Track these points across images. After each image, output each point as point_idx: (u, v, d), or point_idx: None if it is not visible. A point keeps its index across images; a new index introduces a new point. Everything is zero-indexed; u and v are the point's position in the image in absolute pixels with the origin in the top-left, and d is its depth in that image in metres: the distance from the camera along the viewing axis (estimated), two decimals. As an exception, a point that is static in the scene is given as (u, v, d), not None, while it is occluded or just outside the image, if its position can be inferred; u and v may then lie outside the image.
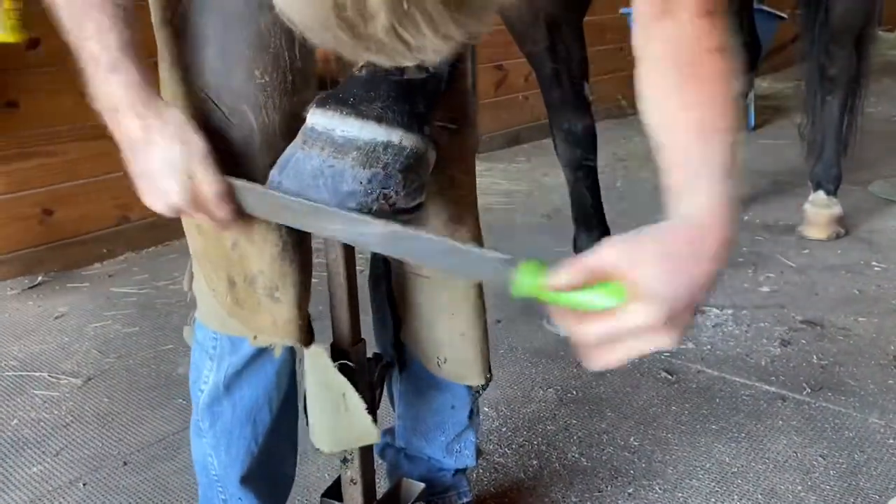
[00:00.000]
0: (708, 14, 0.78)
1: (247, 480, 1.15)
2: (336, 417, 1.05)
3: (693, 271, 0.69)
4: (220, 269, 1.01)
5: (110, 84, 0.84)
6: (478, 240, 1.18)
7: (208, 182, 0.87)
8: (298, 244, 1.02)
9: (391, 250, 0.88)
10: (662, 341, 0.68)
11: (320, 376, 1.04)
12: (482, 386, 1.26)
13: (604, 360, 0.70)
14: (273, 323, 1.01)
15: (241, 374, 1.08)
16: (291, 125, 0.96)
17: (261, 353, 1.06)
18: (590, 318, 0.69)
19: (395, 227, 0.83)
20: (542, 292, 0.72)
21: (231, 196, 0.89)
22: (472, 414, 1.30)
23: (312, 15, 0.57)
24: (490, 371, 1.25)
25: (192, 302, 1.12)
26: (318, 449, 1.10)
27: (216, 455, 1.13)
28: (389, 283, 1.21)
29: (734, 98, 0.77)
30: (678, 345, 0.71)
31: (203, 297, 1.07)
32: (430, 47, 0.59)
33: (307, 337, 1.05)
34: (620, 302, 0.68)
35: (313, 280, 1.06)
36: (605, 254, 0.69)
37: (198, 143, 0.87)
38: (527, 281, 0.74)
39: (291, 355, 1.08)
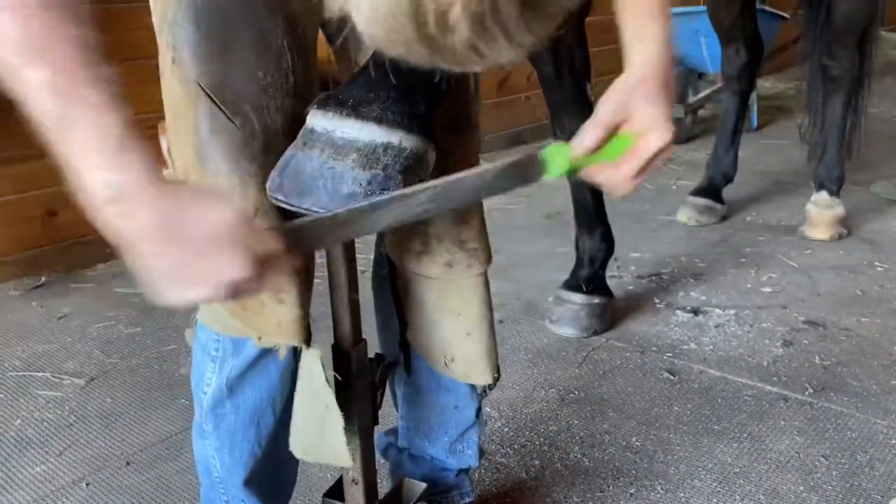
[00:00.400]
0: None
1: (250, 483, 1.15)
2: (314, 429, 1.05)
3: (664, 94, 0.90)
4: None
5: (120, 168, 0.66)
6: (483, 241, 1.18)
7: (266, 239, 0.71)
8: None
9: (440, 206, 0.85)
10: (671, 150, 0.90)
11: (309, 383, 1.04)
12: (489, 385, 1.26)
13: (635, 182, 0.90)
14: (277, 324, 1.02)
15: (245, 377, 1.08)
16: (293, 126, 0.96)
17: (263, 354, 1.06)
18: (623, 162, 0.88)
19: (435, 182, 0.82)
20: (575, 163, 0.88)
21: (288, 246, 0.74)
22: (478, 413, 1.30)
23: (395, 31, 0.58)
24: (498, 370, 1.25)
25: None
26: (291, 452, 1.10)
27: (219, 457, 1.13)
28: (394, 283, 1.21)
29: None
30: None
31: None
32: (504, 57, 0.62)
33: (310, 336, 1.05)
34: (632, 140, 0.88)
35: (316, 280, 1.06)
36: (605, 110, 0.88)
37: (238, 202, 0.75)
38: (558, 160, 0.87)
39: (294, 357, 1.08)
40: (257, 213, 0.97)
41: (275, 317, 1.01)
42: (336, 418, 1.02)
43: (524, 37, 0.60)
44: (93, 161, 0.66)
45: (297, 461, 1.24)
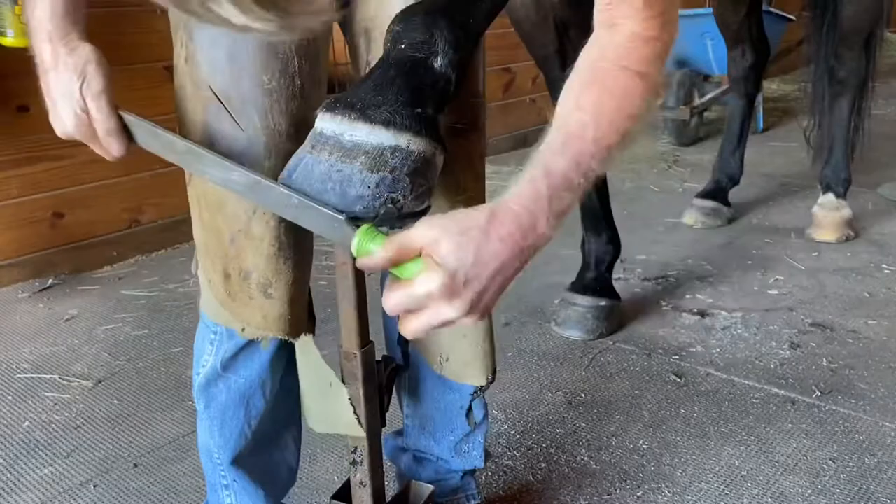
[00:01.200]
0: (644, 40, 0.81)
1: (239, 463, 1.18)
2: (325, 403, 1.10)
3: (481, 248, 0.74)
4: (217, 262, 1.05)
5: (35, 8, 0.91)
6: None
7: (100, 118, 0.92)
8: (296, 244, 1.05)
9: (254, 198, 0.93)
10: (451, 312, 0.74)
11: (308, 365, 1.09)
12: (481, 387, 1.26)
13: (408, 327, 0.77)
14: (263, 317, 1.05)
15: (237, 358, 1.11)
16: (299, 128, 0.99)
17: (254, 339, 1.10)
18: (393, 288, 0.76)
19: (257, 178, 0.89)
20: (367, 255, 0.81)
21: (121, 132, 0.93)
22: (484, 414, 1.30)
23: None
24: (494, 372, 1.26)
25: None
26: (310, 428, 1.17)
27: (211, 436, 1.17)
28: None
29: (630, 119, 0.80)
30: (474, 323, 0.77)
31: (204, 285, 1.11)
32: (238, 19, 0.64)
33: (298, 330, 1.09)
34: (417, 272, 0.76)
35: (322, 283, 1.07)
36: (414, 232, 0.76)
37: (97, 78, 0.91)
38: (364, 245, 0.81)
39: (287, 345, 1.11)
40: (255, 212, 1.00)
41: (261, 310, 1.05)
42: (341, 392, 1.06)
43: (246, 4, 0.62)
44: (41, 36, 0.92)
45: (296, 453, 1.27)
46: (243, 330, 1.07)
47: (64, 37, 0.91)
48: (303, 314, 1.11)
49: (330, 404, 1.08)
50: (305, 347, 1.08)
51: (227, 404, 1.14)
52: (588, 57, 0.83)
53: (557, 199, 0.77)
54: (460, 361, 1.22)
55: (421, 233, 0.76)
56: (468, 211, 0.77)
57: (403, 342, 1.25)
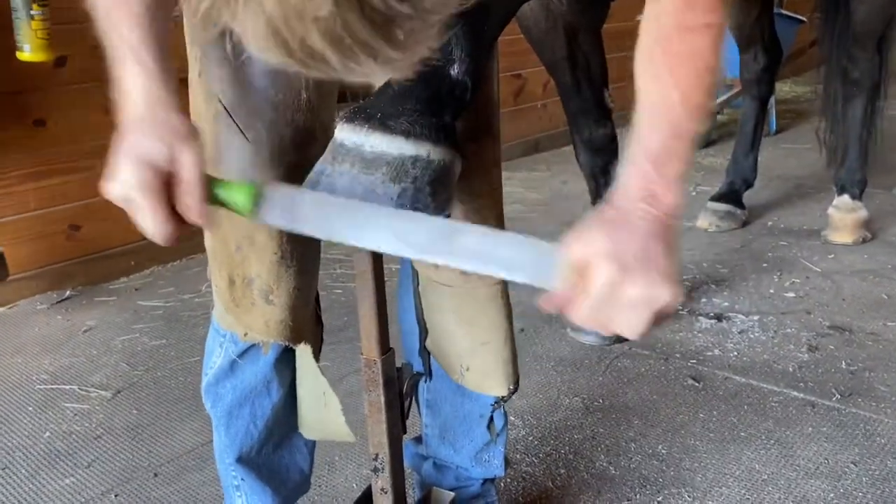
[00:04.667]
0: None
1: (245, 461, 1.19)
2: (317, 411, 1.13)
3: (621, 230, 0.75)
4: (224, 268, 1.08)
5: (130, 73, 0.82)
6: None
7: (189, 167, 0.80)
8: (300, 254, 1.07)
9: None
10: (649, 288, 0.73)
11: (305, 372, 1.12)
12: (503, 397, 1.25)
13: (632, 328, 0.75)
14: (265, 323, 1.08)
15: (244, 357, 1.13)
16: (305, 138, 1.02)
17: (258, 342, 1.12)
18: (576, 300, 0.75)
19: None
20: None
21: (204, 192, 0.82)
22: (504, 423, 1.30)
23: (270, 53, 0.60)
24: (516, 382, 1.25)
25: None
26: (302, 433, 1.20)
27: (218, 435, 1.19)
28: (416, 291, 1.22)
29: (708, 72, 0.81)
30: (677, 294, 0.75)
31: (213, 291, 1.14)
32: (382, 70, 0.63)
33: (299, 337, 1.11)
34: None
35: (337, 290, 1.09)
36: (573, 251, 0.76)
37: (197, 147, 0.81)
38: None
39: (289, 348, 1.13)
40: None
41: (263, 316, 1.08)
42: (334, 400, 1.10)
43: (389, 54, 0.60)
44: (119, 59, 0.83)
45: (307, 456, 1.28)
46: (245, 335, 1.10)
47: (162, 104, 0.82)
48: (306, 321, 1.13)
49: (323, 410, 1.12)
50: (303, 356, 1.11)
51: (232, 403, 1.16)
52: (648, 30, 0.83)
53: (666, 167, 0.78)
54: (481, 371, 1.22)
55: (577, 250, 0.76)
56: (594, 216, 0.78)
57: (425, 353, 1.25)
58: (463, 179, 1.05)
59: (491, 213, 1.17)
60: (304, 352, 1.11)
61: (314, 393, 1.13)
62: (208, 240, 1.10)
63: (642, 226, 0.76)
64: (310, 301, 1.14)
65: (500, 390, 1.24)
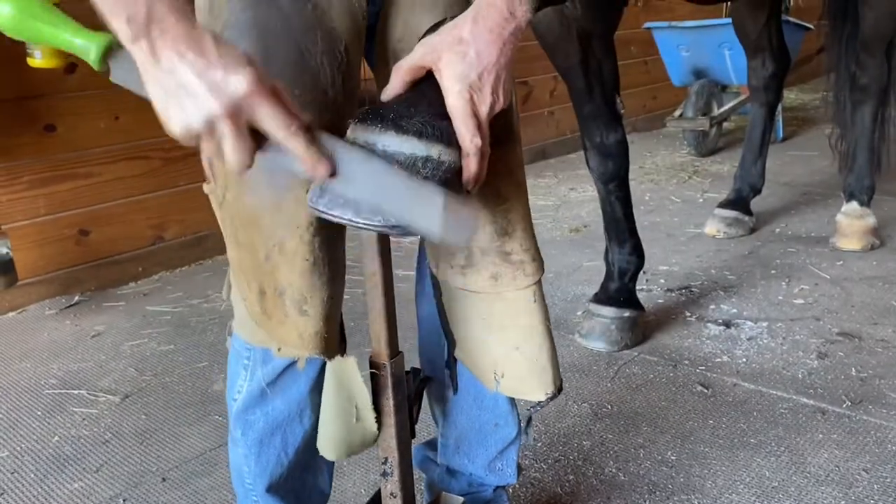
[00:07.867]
0: None
1: (274, 490, 1.16)
2: (347, 426, 1.08)
3: (478, 44, 0.86)
4: (253, 280, 1.03)
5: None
6: (530, 252, 1.16)
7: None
8: (330, 260, 1.03)
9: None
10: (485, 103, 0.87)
11: (342, 386, 1.06)
12: (539, 402, 1.20)
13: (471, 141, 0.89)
14: (299, 336, 1.02)
15: (274, 385, 1.09)
16: None
17: (292, 365, 1.07)
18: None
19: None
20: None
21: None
22: (518, 430, 1.28)
23: None
24: (557, 385, 1.19)
25: (228, 313, 1.13)
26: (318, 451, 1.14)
27: (247, 464, 1.15)
28: (439, 301, 1.19)
29: None
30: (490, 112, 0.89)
31: (238, 306, 1.09)
32: None
33: (333, 349, 1.06)
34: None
35: (345, 297, 1.07)
36: (415, 55, 0.88)
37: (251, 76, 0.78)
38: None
39: (324, 370, 1.09)
40: (289, 227, 0.99)
41: (296, 329, 1.02)
42: (368, 412, 1.08)
43: None
44: None
45: (330, 477, 1.25)
46: (279, 350, 1.04)
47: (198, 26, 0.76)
48: (337, 332, 1.08)
49: (351, 427, 1.08)
50: (347, 368, 1.06)
51: (264, 432, 1.11)
52: None
53: None
54: (516, 376, 1.17)
55: (422, 53, 0.87)
56: (454, 21, 0.88)
57: (452, 364, 1.23)
58: (488, 184, 1.04)
59: (518, 214, 1.15)
60: (347, 365, 1.06)
61: (346, 409, 1.07)
62: (233, 252, 1.05)
63: (496, 43, 0.86)
64: (339, 311, 1.09)
65: (537, 395, 1.18)
